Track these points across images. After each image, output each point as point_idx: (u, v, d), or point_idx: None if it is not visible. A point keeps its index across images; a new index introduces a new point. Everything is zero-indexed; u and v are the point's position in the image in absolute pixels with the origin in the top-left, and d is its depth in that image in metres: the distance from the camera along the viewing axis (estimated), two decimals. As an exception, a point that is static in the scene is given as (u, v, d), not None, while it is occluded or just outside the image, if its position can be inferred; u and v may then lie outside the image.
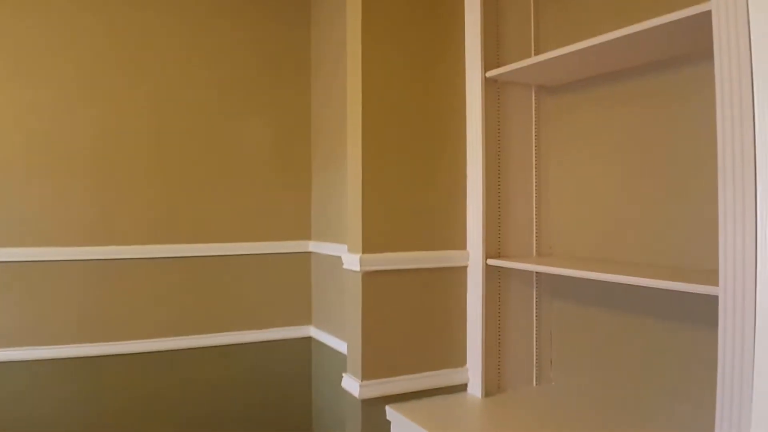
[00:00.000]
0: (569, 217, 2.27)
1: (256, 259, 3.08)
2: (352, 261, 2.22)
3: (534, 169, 2.36)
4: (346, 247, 2.35)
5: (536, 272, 2.35)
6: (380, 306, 2.23)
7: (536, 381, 2.39)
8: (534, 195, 2.36)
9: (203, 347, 3.02)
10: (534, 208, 2.36)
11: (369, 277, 2.21)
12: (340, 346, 2.75)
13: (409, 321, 2.29)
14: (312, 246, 3.14)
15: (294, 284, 3.16)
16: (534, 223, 2.37)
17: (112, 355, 2.88)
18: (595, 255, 2.17)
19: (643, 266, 1.91)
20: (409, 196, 2.28)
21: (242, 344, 3.08)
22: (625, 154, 2.04)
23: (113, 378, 2.88)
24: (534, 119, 2.36)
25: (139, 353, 2.92)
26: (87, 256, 2.82)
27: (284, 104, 3.12)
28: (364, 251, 2.19)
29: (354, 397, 2.27)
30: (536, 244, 2.36)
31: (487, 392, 2.30)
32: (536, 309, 2.38)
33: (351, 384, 2.27)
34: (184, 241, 2.96)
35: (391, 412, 2.22)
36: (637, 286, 1.76)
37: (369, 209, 2.20)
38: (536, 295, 2.38)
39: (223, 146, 3.02)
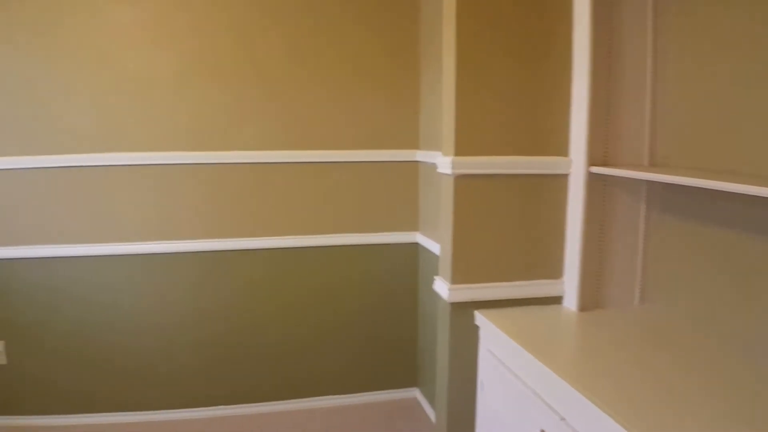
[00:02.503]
0: (688, 123, 2.03)
1: (369, 167, 3.14)
2: (445, 164, 2.19)
3: (649, 67, 2.13)
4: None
5: (646, 182, 2.16)
6: (472, 211, 2.19)
7: (638, 300, 2.24)
8: (648, 97, 2.14)
9: (319, 246, 3.17)
10: (647, 113, 2.15)
11: (461, 181, 2.16)
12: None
13: (503, 228, 2.23)
14: (419, 155, 3.12)
15: (403, 191, 3.20)
16: (647, 130, 2.15)
17: (237, 250, 3.12)
18: (715, 168, 1.94)
19: None
20: (506, 95, 2.17)
21: (353, 246, 3.20)
22: (760, 52, 1.75)
23: (236, 269, 3.15)
24: (650, 6, 2.11)
25: (263, 249, 3.13)
26: (215, 160, 3.03)
27: (393, 18, 3.07)
28: (456, 154, 2.15)
29: (444, 300, 2.28)
30: (648, 153, 2.15)
31: (584, 307, 2.20)
32: (644, 223, 2.20)
33: (441, 287, 2.28)
34: (306, 148, 3.08)
35: (479, 317, 2.21)
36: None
37: (463, 111, 2.14)
38: (645, 208, 2.20)
39: (342, 61, 3.06)
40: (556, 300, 2.28)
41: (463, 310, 2.24)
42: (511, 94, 2.17)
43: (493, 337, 2.11)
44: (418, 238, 3.18)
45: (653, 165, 2.15)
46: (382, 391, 3.35)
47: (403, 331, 3.32)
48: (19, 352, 3.07)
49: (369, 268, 3.24)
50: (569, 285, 2.23)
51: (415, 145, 3.16)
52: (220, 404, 3.22)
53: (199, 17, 2.93)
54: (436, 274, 2.38)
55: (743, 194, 1.47)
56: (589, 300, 2.21)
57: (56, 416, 3.12)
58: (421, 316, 3.26)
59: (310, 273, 3.19)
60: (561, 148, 2.21)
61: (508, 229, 2.23)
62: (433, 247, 2.90)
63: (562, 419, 1.61)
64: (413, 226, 3.22)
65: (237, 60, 2.99)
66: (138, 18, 2.90)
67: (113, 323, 3.08)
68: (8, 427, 3.10)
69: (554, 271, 2.27)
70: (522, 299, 2.26)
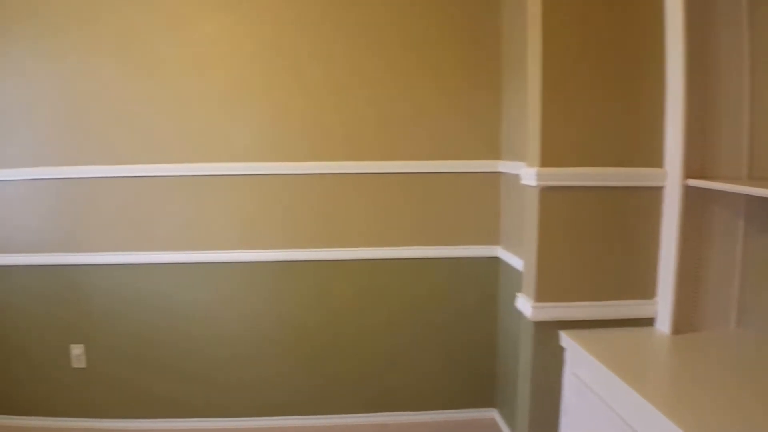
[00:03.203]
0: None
1: (449, 178, 3.05)
2: (529, 175, 2.09)
3: (746, 69, 1.96)
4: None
5: (745, 196, 2.00)
6: (558, 225, 2.09)
7: (735, 323, 2.08)
8: (746, 103, 1.97)
9: (396, 258, 3.10)
10: (746, 120, 1.98)
11: (547, 193, 2.06)
12: (521, 266, 2.65)
13: (592, 243, 2.11)
14: (501, 166, 3.01)
15: (484, 203, 3.08)
16: (746, 139, 1.99)
17: (314, 261, 3.09)
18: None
19: None
20: (594, 102, 2.05)
21: (432, 259, 3.11)
22: None
23: (316, 280, 3.12)
24: (746, 8, 1.95)
25: (340, 260, 3.10)
26: (299, 170, 3.02)
27: (474, 25, 2.99)
28: (542, 165, 2.05)
29: (527, 319, 2.18)
30: (747, 164, 1.99)
31: (677, 330, 2.05)
32: (742, 241, 2.03)
33: (524, 304, 2.18)
34: (384, 159, 3.04)
35: (565, 338, 2.10)
36: None
37: (548, 120, 2.04)
38: (743, 225, 2.03)
39: (425, 72, 2.99)
40: (647, 322, 2.14)
41: (548, 329, 2.14)
42: (600, 101, 2.06)
43: (580, 360, 2.00)
44: (499, 252, 3.06)
45: (752, 178, 1.99)
46: (458, 410, 3.24)
47: (482, 349, 3.20)
48: (99, 357, 3.13)
49: (447, 282, 3.14)
50: (662, 306, 2.09)
51: (496, 155, 3.05)
52: (293, 414, 3.19)
53: (282, 30, 2.94)
54: (518, 291, 2.28)
55: None
56: (683, 322, 2.06)
57: (132, 420, 3.17)
58: (501, 334, 3.14)
59: (386, 286, 3.13)
60: (654, 158, 2.08)
61: (596, 245, 2.11)
62: (515, 262, 2.78)
63: (659, 453, 1.48)
64: (494, 240, 3.10)
65: (320, 72, 2.97)
66: (223, 31, 2.94)
67: (190, 330, 3.11)
68: (86, 429, 3.16)
69: (646, 290, 2.14)
70: (611, 320, 2.13)
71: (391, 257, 3.10)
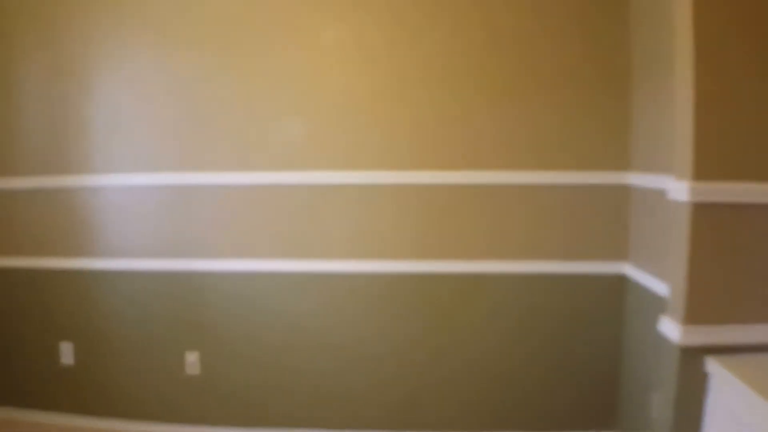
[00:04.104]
0: None
1: (570, 189, 2.90)
2: (679, 190, 1.94)
3: None
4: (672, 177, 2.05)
5: None
6: (713, 244, 1.92)
7: None
8: None
9: (513, 273, 2.98)
10: None
11: (701, 210, 1.90)
12: (658, 286, 2.47)
13: (752, 263, 1.93)
14: (632, 178, 2.82)
15: (608, 217, 2.91)
16: None
17: (425, 274, 3.02)
18: None
19: None
20: (759, 104, 1.86)
21: (551, 275, 2.97)
22: None
23: (423, 293, 3.04)
24: None
25: (452, 273, 3.00)
26: (414, 180, 2.97)
27: (598, 22, 2.83)
28: (694, 178, 1.89)
29: (671, 343, 2.02)
30: None
31: None
32: None
33: (670, 328, 2.02)
34: (502, 168, 2.93)
35: (712, 364, 1.93)
36: None
37: (703, 129, 1.87)
38: None
39: (539, 75, 2.87)
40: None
41: (694, 356, 1.97)
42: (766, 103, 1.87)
43: (729, 389, 1.83)
44: (627, 269, 2.89)
45: None
46: (575, 432, 3.10)
47: (603, 370, 3.02)
48: (212, 363, 3.16)
49: (566, 298, 2.99)
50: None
51: (624, 165, 2.87)
52: (397, 428, 3.13)
53: (398, 38, 2.91)
54: (651, 311, 2.13)
55: None
56: None
57: (243, 429, 3.19)
58: (626, 356, 2.95)
59: (500, 300, 3.02)
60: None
61: (760, 265, 1.92)
62: (649, 281, 2.59)
63: None
64: (620, 256, 2.93)
65: (443, 80, 2.92)
66: (343, 38, 2.93)
67: (300, 340, 3.10)
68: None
69: (810, 316, 1.94)
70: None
71: (506, 272, 2.99)
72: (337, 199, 3.01)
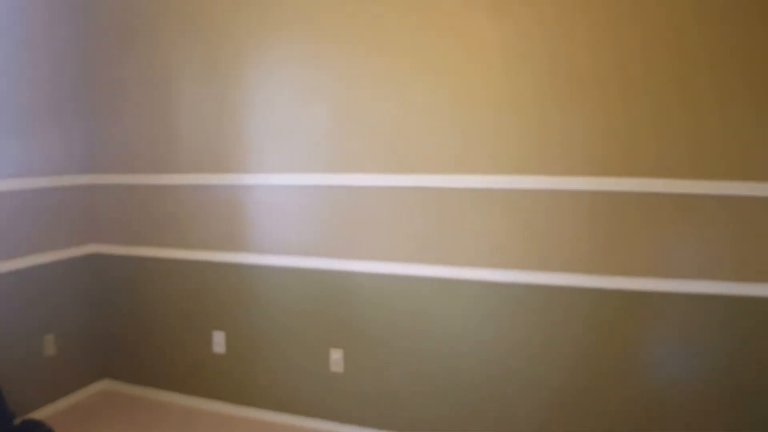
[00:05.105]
0: None
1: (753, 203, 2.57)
2: None
3: None
4: None
5: None
6: None
7: None
8: None
9: (674, 293, 2.68)
10: None
11: None
12: None
13: None
14: None
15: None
16: None
17: (578, 288, 2.80)
18: None
19: None
20: None
21: (722, 296, 2.63)
22: None
23: (585, 310, 2.82)
24: None
25: (613, 290, 2.76)
26: (583, 187, 2.76)
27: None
28: None
29: None
30: None
31: None
32: None
33: None
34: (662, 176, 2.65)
35: None
36: None
37: None
38: None
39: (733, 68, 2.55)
40: None
41: None
42: None
43: None
44: None
45: None
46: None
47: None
48: (356, 362, 3.19)
49: (743, 326, 2.64)
50: None
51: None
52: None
53: (556, 33, 2.73)
54: None
55: None
56: None
57: (381, 431, 3.20)
58: None
59: (684, 325, 2.71)
60: None
61: None
62: None
63: None
64: None
65: (601, 77, 2.70)
66: (496, 36, 2.81)
67: (439, 347, 3.04)
68: (340, 434, 3.26)
69: None
70: None
71: (674, 291, 2.68)
72: (488, 204, 2.89)
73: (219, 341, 3.45)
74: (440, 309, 3.03)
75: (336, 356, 3.21)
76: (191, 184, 3.42)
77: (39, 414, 3.38)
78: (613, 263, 2.76)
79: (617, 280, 2.75)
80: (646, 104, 2.64)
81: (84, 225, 3.69)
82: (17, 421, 3.10)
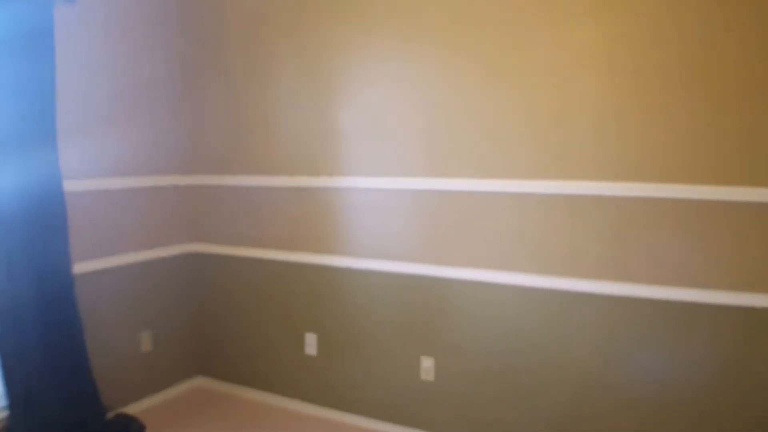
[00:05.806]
0: None
1: None
2: None
3: None
4: None
5: None
6: None
7: None
8: None
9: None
10: None
11: None
12: None
13: None
14: None
15: None
16: None
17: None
18: None
19: None
20: None
21: None
22: None
23: (685, 325, 2.66)
24: None
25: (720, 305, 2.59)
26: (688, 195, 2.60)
27: None
28: None
29: None
30: None
31: None
32: None
33: None
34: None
35: None
36: None
37: None
38: None
39: None
40: None
41: None
42: None
43: None
44: None
45: None
46: None
47: None
48: (447, 371, 3.13)
49: None
50: None
51: None
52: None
53: (657, 34, 2.58)
54: None
55: None
56: None
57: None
58: None
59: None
60: None
61: None
62: None
63: None
64: None
65: (704, 82, 2.53)
66: (594, 37, 2.69)
67: (541, 360, 2.92)
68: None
69: None
70: None
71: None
72: (589, 211, 2.76)
73: (311, 343, 3.47)
74: (537, 322, 2.91)
75: (427, 364, 3.16)
76: (286, 186, 3.46)
77: (132, 408, 3.48)
78: (722, 276, 2.58)
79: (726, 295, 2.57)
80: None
81: (184, 224, 3.81)
82: (110, 414, 3.19)
